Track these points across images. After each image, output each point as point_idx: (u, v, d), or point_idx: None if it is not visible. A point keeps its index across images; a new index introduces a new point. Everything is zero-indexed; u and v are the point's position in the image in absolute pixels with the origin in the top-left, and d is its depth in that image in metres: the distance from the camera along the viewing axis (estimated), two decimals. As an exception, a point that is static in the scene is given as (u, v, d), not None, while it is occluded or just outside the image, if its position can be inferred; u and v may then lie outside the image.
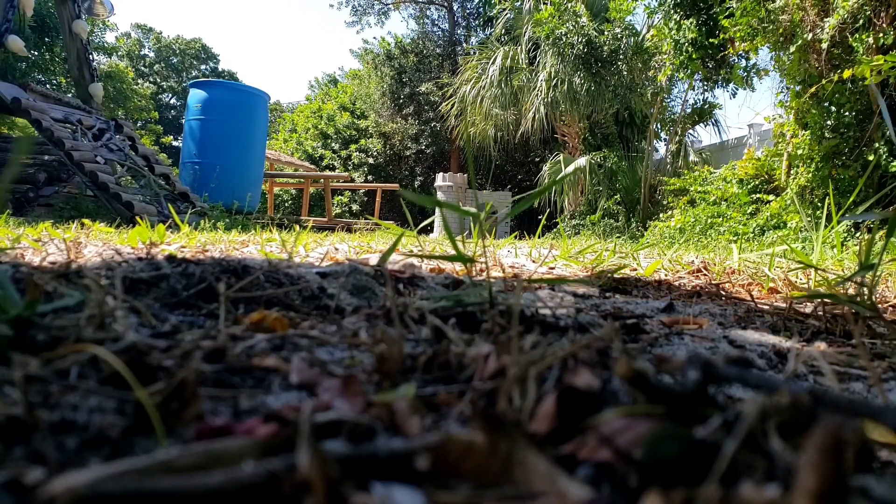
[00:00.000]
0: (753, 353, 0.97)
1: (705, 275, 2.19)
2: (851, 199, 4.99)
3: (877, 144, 5.79)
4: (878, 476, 0.45)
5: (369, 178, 19.33)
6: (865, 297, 1.06)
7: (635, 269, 2.22)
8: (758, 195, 7.51)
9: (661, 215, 9.69)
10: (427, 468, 0.37)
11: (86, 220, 3.45)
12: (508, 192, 13.91)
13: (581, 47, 11.18)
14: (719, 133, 12.99)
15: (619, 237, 9.14)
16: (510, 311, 0.83)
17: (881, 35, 5.43)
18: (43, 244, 1.96)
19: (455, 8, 21.01)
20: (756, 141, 11.30)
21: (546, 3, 11.73)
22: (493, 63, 13.83)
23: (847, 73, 5.44)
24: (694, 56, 7.97)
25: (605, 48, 11.18)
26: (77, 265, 1.07)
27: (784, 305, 1.37)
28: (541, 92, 12.22)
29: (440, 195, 12.46)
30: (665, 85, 10.73)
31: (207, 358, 0.62)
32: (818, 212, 5.71)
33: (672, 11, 8.10)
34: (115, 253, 1.53)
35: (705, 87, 9.57)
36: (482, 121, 13.95)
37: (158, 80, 32.81)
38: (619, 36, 11.17)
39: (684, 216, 8.36)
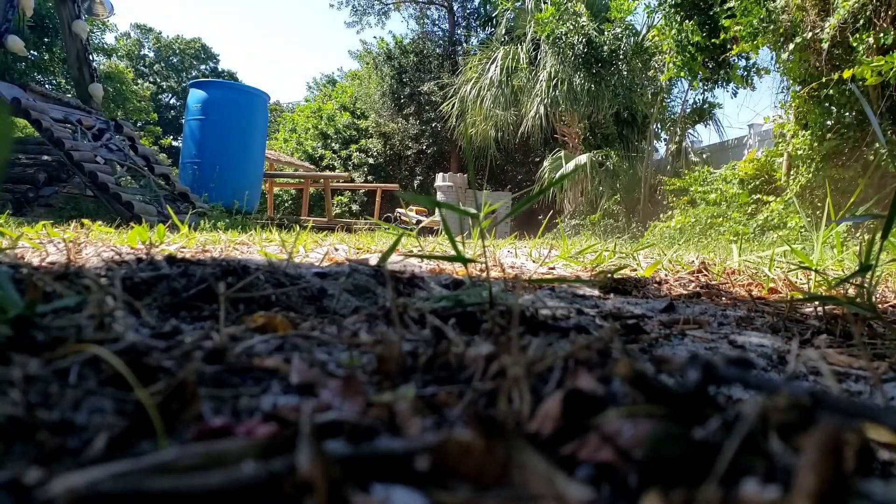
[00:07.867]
0: (753, 353, 0.97)
1: (705, 275, 2.18)
2: (852, 200, 4.99)
3: (877, 145, 5.79)
4: (879, 477, 0.45)
5: (369, 178, 19.32)
6: (865, 298, 1.06)
7: (635, 270, 2.22)
8: (758, 195, 7.51)
9: (661, 215, 9.69)
10: (427, 469, 0.37)
11: (85, 221, 3.45)
12: (508, 192, 13.91)
13: (581, 47, 11.18)
14: (720, 133, 13.02)
15: (619, 237, 9.14)
16: (510, 312, 0.83)
17: (882, 35, 5.43)
18: (42, 244, 1.96)
19: (455, 8, 21.02)
20: (756, 141, 11.29)
21: (547, 3, 11.73)
22: (493, 63, 13.83)
23: (847, 74, 5.44)
24: (697, 57, 7.97)
25: (606, 48, 11.18)
26: (76, 265, 1.07)
27: (784, 306, 1.37)
28: (541, 92, 12.22)
29: (440, 195, 12.47)
30: (665, 85, 10.73)
31: (207, 358, 0.62)
32: (818, 212, 5.71)
33: (673, 11, 8.10)
34: (115, 253, 1.53)
35: (705, 87, 9.58)
36: (483, 121, 13.95)
37: (158, 80, 32.79)
38: (619, 36, 11.17)
39: (684, 216, 8.36)
